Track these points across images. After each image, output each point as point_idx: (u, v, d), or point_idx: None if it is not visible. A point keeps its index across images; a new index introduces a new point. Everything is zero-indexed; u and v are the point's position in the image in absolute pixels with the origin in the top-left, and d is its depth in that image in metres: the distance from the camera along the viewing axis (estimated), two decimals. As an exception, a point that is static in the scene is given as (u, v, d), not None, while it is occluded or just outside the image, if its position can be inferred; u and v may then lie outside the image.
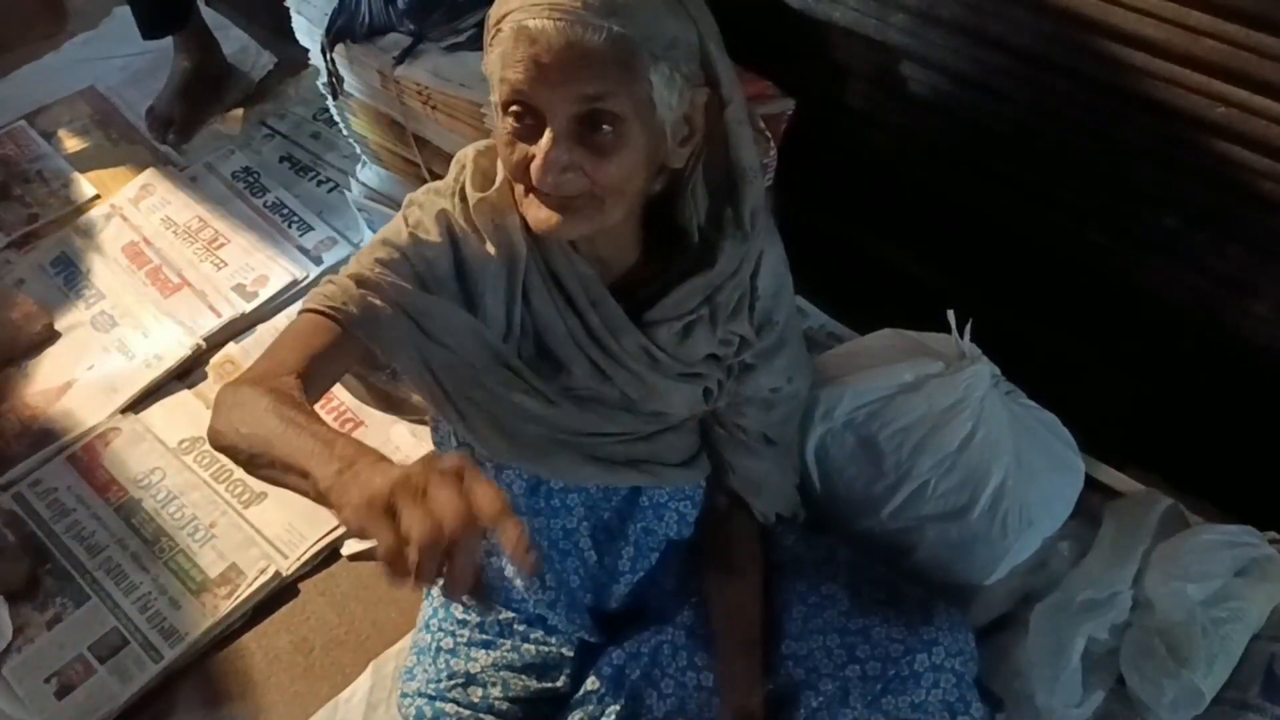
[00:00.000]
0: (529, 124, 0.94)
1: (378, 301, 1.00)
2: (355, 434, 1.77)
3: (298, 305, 1.92)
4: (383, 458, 0.76)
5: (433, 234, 1.04)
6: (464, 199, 1.06)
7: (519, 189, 0.99)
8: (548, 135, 0.92)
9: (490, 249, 1.04)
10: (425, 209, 1.06)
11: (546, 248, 1.06)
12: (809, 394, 1.38)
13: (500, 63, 0.93)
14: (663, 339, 1.11)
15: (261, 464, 0.86)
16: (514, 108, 0.94)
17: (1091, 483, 1.47)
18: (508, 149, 0.97)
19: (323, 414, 1.81)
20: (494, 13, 0.94)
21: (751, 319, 1.16)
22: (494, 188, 1.05)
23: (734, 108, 1.01)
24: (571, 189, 0.95)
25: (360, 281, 1.01)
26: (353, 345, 1.00)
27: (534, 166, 0.94)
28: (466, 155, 1.10)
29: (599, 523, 1.24)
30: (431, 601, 1.35)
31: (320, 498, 0.77)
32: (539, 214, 0.98)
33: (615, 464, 1.17)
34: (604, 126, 0.92)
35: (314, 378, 0.96)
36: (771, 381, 1.23)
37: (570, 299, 1.08)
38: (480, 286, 1.06)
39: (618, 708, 1.21)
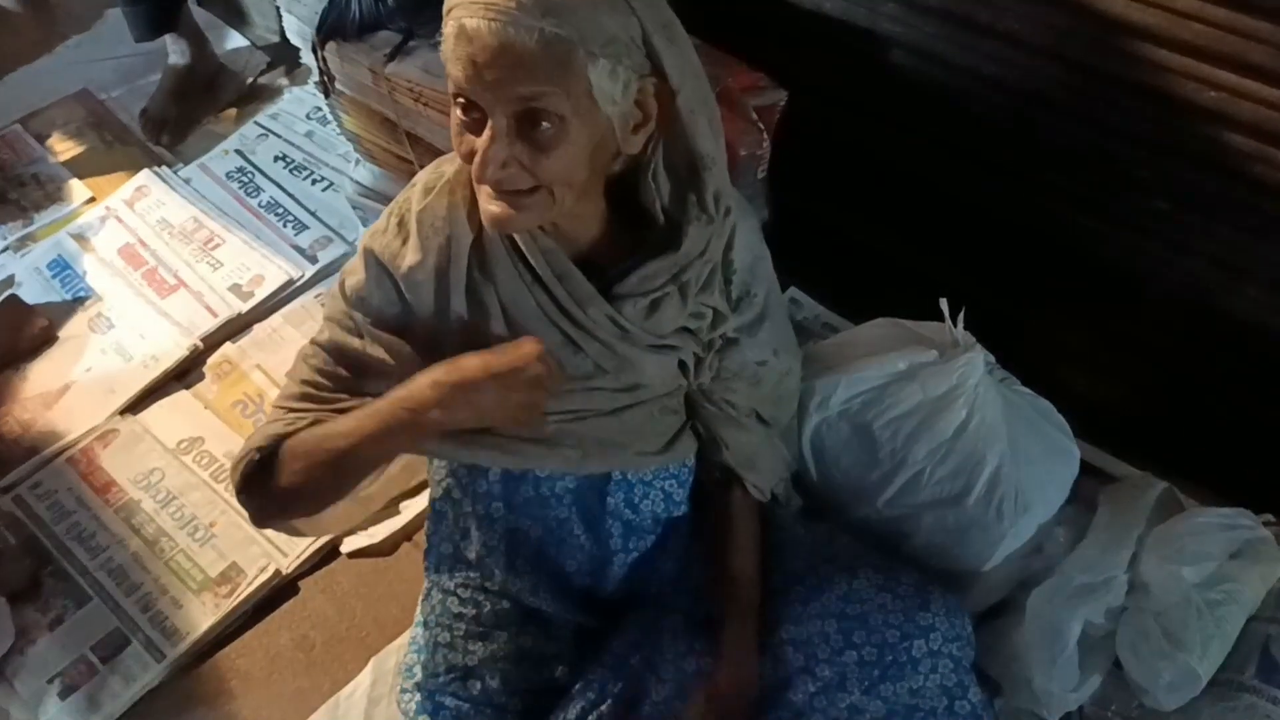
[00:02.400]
0: (475, 117, 0.95)
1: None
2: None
3: (295, 304, 1.96)
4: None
5: (362, 274, 1.11)
6: (401, 222, 1.10)
7: (475, 178, 1.01)
8: (487, 132, 0.94)
9: (420, 251, 1.08)
10: (353, 266, 1.13)
11: None
12: (803, 384, 1.39)
13: (448, 56, 0.94)
14: (629, 313, 1.11)
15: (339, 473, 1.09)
16: (459, 100, 0.95)
17: (1086, 468, 1.47)
18: (458, 138, 0.99)
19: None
20: (445, 6, 0.96)
21: (728, 292, 1.17)
22: (439, 185, 1.09)
23: (685, 96, 1.01)
24: (513, 184, 0.97)
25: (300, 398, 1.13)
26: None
27: (475, 162, 0.96)
28: (418, 178, 1.13)
29: (584, 508, 1.25)
30: (429, 600, 1.36)
31: (415, 427, 1.02)
32: (490, 207, 0.99)
33: (588, 450, 1.18)
34: (543, 124, 0.93)
35: None
36: (756, 355, 1.24)
37: (536, 274, 1.09)
38: (422, 295, 1.09)
39: (618, 694, 1.22)
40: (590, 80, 0.93)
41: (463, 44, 0.91)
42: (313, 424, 1.09)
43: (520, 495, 1.22)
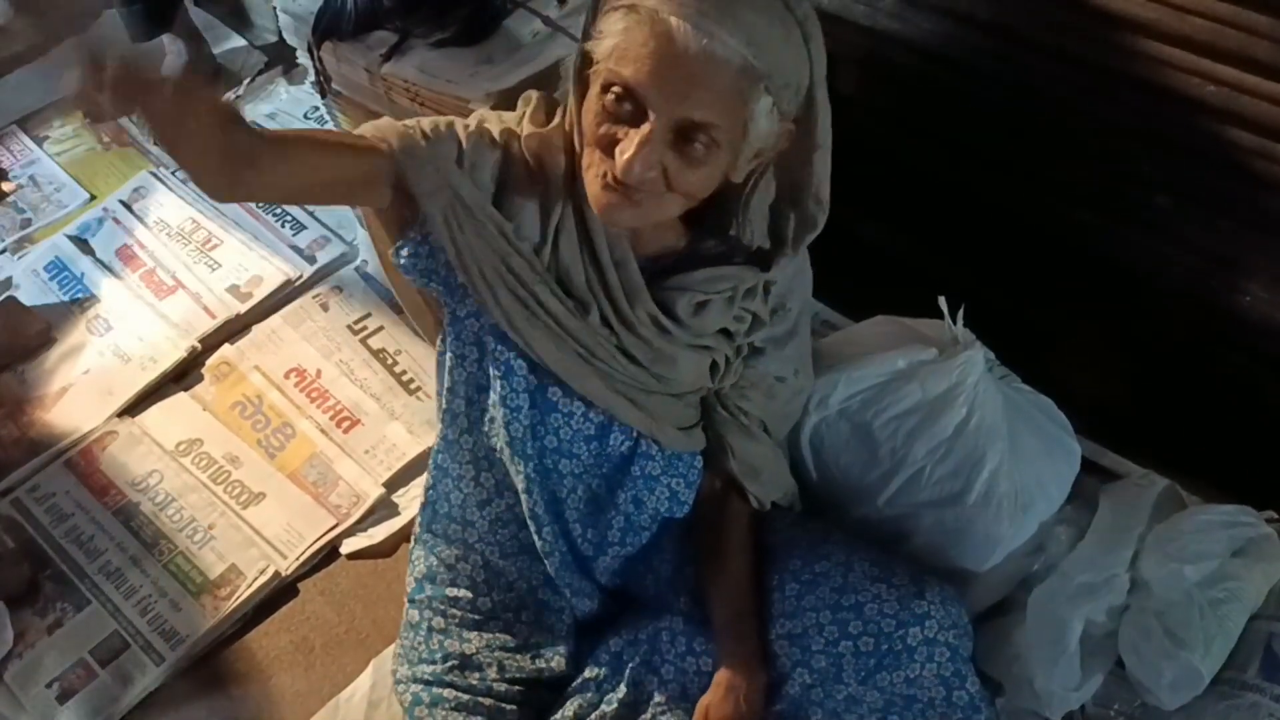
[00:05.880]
0: (627, 109, 0.93)
1: (421, 142, 1.03)
2: (352, 432, 1.77)
3: (293, 305, 1.95)
4: None
5: (491, 138, 1.07)
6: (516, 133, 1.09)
7: (590, 154, 0.99)
8: (645, 131, 0.92)
9: (531, 180, 1.07)
10: (490, 121, 1.10)
11: (584, 198, 1.05)
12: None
13: (621, 39, 0.92)
14: (679, 307, 1.12)
15: None
16: (616, 88, 0.93)
17: (1087, 465, 1.46)
18: (595, 120, 0.96)
19: (319, 413, 1.81)
20: None
21: (766, 299, 1.19)
22: (549, 125, 1.07)
23: (822, 153, 1.04)
24: (648, 186, 0.96)
25: (407, 125, 1.04)
26: (376, 169, 1.02)
27: (621, 157, 0.94)
28: (532, 96, 1.12)
29: (587, 492, 1.25)
30: (414, 570, 1.36)
31: None
32: (601, 194, 0.98)
33: (618, 392, 1.18)
34: (699, 142, 0.93)
35: (321, 171, 1.00)
36: (779, 369, 1.25)
37: (595, 253, 1.09)
38: (516, 207, 1.08)
39: (618, 695, 1.21)
40: (753, 113, 0.93)
41: (660, 40, 0.89)
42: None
43: (529, 467, 1.21)
